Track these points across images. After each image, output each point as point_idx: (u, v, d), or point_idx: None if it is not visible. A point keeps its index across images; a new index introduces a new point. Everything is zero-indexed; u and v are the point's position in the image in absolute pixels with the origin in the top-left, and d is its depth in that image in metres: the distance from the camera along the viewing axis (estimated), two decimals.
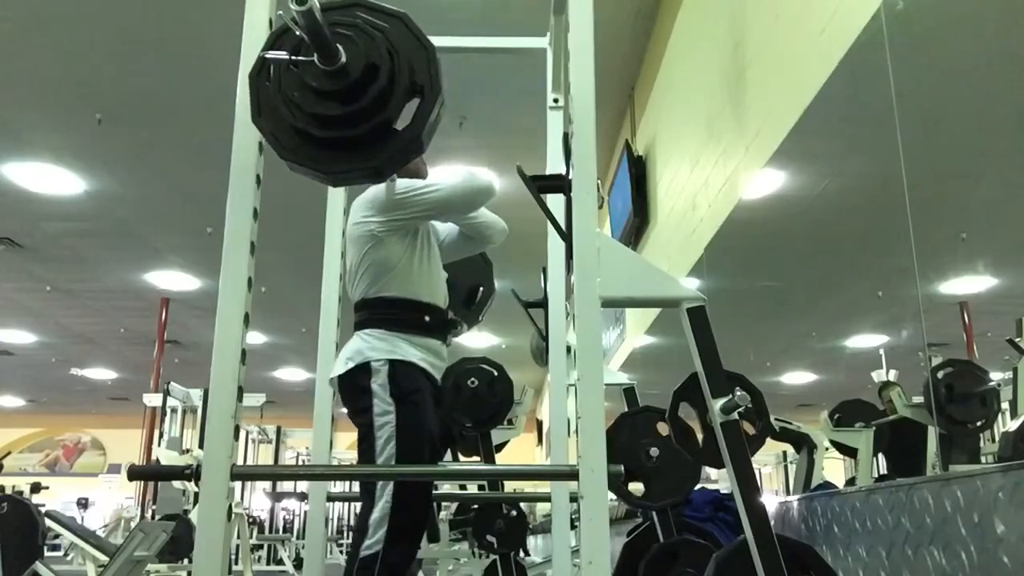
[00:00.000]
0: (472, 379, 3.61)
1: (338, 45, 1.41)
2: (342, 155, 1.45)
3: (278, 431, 11.63)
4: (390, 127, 1.45)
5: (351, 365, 2.08)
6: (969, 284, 3.41)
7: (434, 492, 3.71)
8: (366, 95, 1.42)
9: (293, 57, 1.40)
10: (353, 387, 2.09)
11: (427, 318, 2.14)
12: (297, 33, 1.38)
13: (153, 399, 10.05)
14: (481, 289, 2.99)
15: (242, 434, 2.46)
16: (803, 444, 3.99)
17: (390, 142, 1.45)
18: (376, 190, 2.17)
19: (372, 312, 2.13)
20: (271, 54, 1.43)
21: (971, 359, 3.32)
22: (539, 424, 15.79)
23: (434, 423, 2.18)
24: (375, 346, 2.08)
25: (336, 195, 2.68)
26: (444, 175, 2.20)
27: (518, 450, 5.90)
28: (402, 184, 2.14)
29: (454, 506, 5.26)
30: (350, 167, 1.46)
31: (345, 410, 2.24)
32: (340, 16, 1.47)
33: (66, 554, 8.99)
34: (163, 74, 6.08)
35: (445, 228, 2.43)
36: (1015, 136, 2.70)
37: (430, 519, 3.31)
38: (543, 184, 1.91)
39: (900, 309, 3.79)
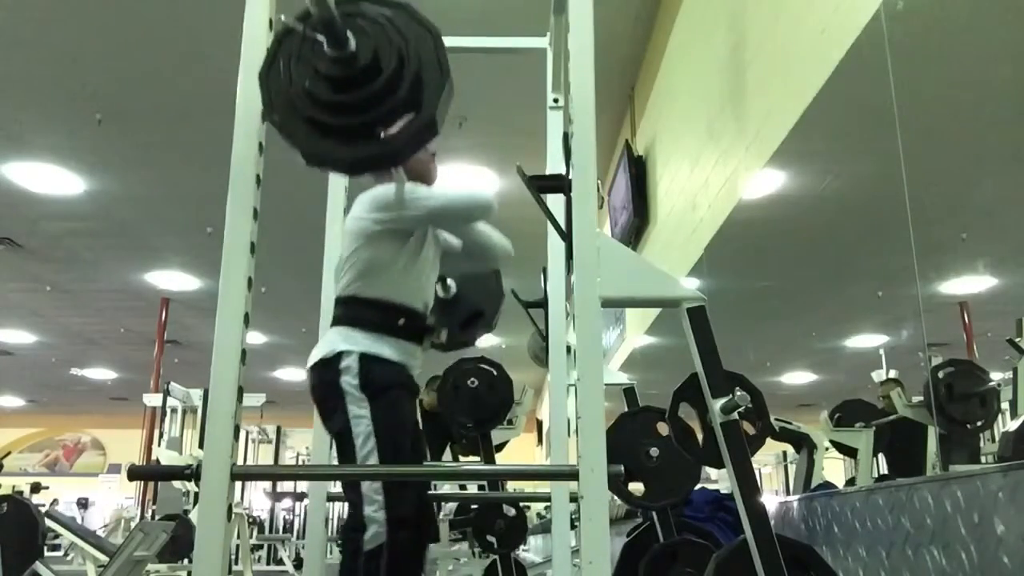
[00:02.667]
0: (472, 379, 3.61)
1: (348, 33, 1.41)
2: (320, 142, 1.44)
3: (278, 431, 11.63)
4: (373, 132, 1.45)
5: (320, 356, 2.06)
6: (969, 284, 3.41)
7: (434, 492, 3.72)
8: (361, 92, 1.42)
9: (307, 30, 1.41)
10: (324, 384, 2.06)
11: (401, 321, 2.11)
12: (302, 30, 1.40)
13: (153, 399, 10.05)
14: (480, 318, 2.94)
15: (242, 434, 2.45)
16: (803, 444, 3.99)
17: (368, 146, 1.45)
18: (377, 189, 2.18)
19: (348, 309, 2.12)
20: (289, 24, 1.45)
21: (971, 359, 3.32)
22: (539, 424, 15.79)
23: (412, 418, 2.16)
24: (348, 337, 2.06)
25: (336, 195, 2.68)
26: (447, 185, 2.19)
27: (518, 450, 5.90)
28: (404, 188, 2.15)
29: (454, 506, 5.26)
30: (321, 154, 1.46)
31: None
32: (371, 13, 1.49)
33: (66, 554, 8.98)
34: (163, 74, 6.08)
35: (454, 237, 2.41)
36: (1015, 136, 2.70)
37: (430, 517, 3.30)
38: (543, 184, 1.91)
39: (900, 309, 3.80)
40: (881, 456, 4.13)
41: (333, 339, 2.08)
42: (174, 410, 9.15)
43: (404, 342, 2.11)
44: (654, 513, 3.11)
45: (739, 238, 4.13)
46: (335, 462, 2.26)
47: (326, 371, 2.04)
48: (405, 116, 1.44)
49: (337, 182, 2.60)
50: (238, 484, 1.78)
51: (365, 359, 2.02)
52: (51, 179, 7.64)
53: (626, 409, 3.34)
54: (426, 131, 1.45)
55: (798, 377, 6.71)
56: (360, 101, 1.43)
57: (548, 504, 3.04)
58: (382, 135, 1.44)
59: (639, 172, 6.02)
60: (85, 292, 11.02)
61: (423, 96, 1.44)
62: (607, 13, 5.40)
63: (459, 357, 3.63)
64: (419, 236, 2.18)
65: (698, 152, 4.65)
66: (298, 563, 9.30)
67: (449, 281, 2.62)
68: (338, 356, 2.03)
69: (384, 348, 2.07)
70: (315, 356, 2.09)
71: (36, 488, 11.91)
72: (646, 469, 2.90)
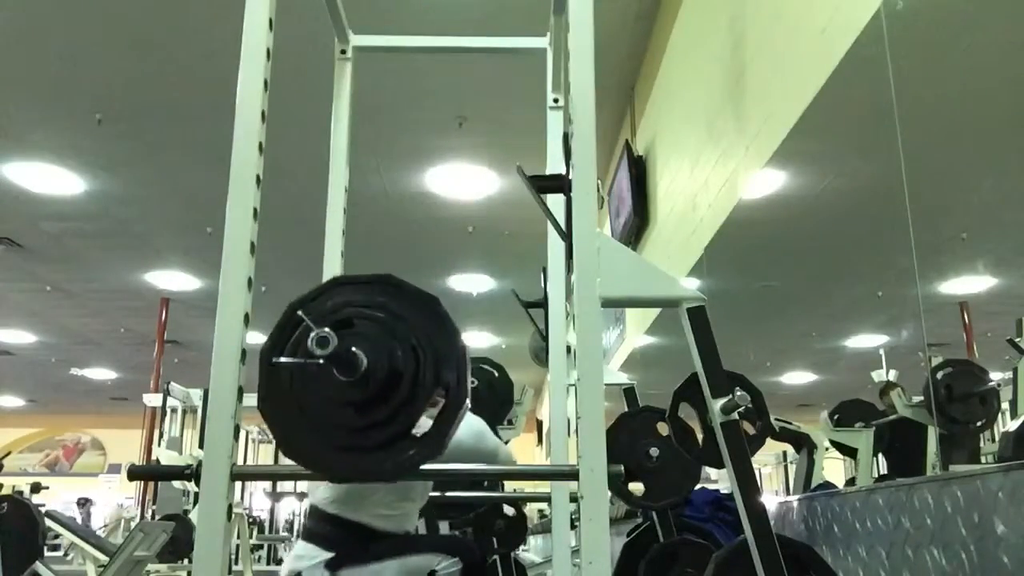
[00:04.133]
0: (472, 379, 3.60)
1: (357, 352, 1.33)
2: (351, 460, 1.38)
3: None
4: (408, 434, 1.38)
5: (285, 572, 1.93)
6: (969, 284, 3.41)
7: (434, 492, 3.71)
8: (386, 405, 1.35)
9: (307, 361, 1.31)
10: None
11: (372, 545, 1.95)
12: (303, 363, 1.33)
13: (153, 399, 10.05)
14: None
15: (242, 434, 2.45)
16: (803, 444, 3.99)
17: (406, 449, 1.38)
18: None
19: (323, 527, 1.95)
20: (284, 360, 1.37)
21: (971, 359, 3.31)
22: (539, 424, 15.79)
23: None
24: (313, 554, 1.90)
25: (336, 194, 2.67)
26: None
27: (518, 450, 5.90)
28: None
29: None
30: (359, 472, 1.41)
31: None
32: (362, 305, 1.40)
33: (66, 554, 8.98)
34: (163, 74, 6.08)
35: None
36: (1015, 136, 2.70)
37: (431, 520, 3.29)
38: (543, 184, 1.91)
39: (900, 309, 3.79)
40: (881, 456, 4.13)
41: (300, 555, 1.93)
42: (174, 410, 9.16)
43: (375, 564, 1.94)
44: (654, 513, 3.11)
45: (739, 238, 4.13)
46: None
47: None
48: (434, 398, 1.39)
49: (337, 182, 2.60)
50: (238, 484, 1.77)
51: (331, 561, 1.87)
52: (51, 179, 7.64)
53: (626, 409, 3.34)
54: (460, 410, 1.39)
55: (798, 377, 6.70)
56: (390, 414, 1.36)
57: (548, 502, 3.03)
58: (418, 431, 1.37)
59: (639, 172, 6.02)
60: (85, 292, 11.01)
61: (447, 375, 1.39)
62: (607, 13, 5.40)
63: None
64: None
65: (698, 152, 4.65)
66: None
67: None
68: (299, 573, 1.89)
69: (354, 555, 1.91)
70: (282, 572, 1.96)
71: (36, 488, 11.90)
72: (646, 469, 2.90)
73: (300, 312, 1.36)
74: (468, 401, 1.40)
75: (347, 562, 1.87)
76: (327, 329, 1.28)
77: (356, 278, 1.46)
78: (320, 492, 1.97)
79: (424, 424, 1.40)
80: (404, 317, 1.40)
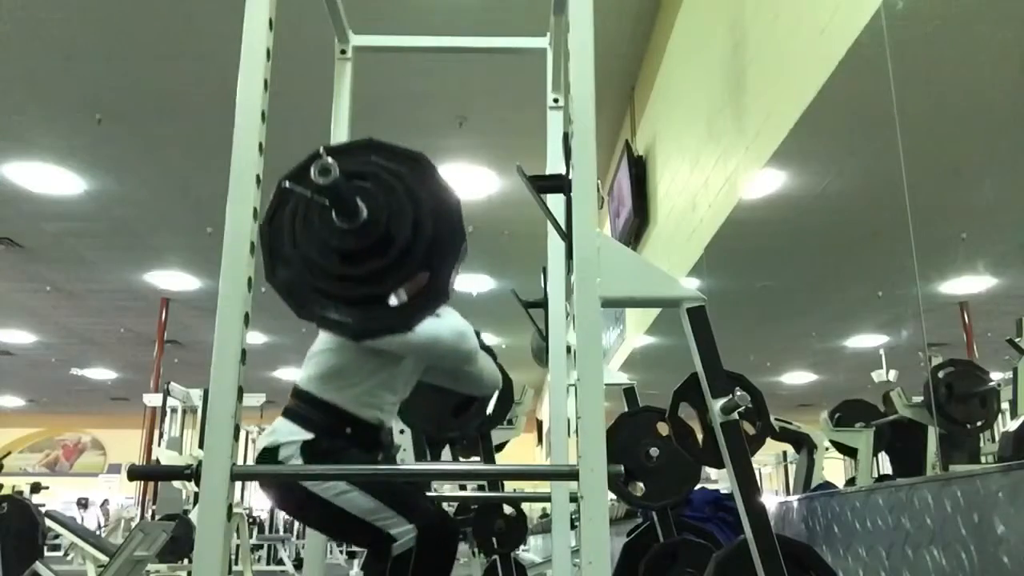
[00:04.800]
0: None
1: (360, 202, 1.36)
2: (325, 306, 1.42)
3: None
4: (384, 299, 1.41)
5: (263, 445, 1.93)
6: (969, 284, 3.41)
7: (434, 492, 3.71)
8: (373, 262, 1.39)
9: (312, 194, 1.35)
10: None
11: (349, 430, 1.92)
12: (309, 196, 1.36)
13: (153, 399, 10.05)
14: (473, 404, 2.86)
15: (242, 434, 2.44)
16: (803, 444, 3.99)
17: (377, 312, 1.42)
18: None
19: (299, 405, 1.95)
20: (291, 185, 1.40)
21: (971, 359, 3.32)
22: (539, 424, 15.79)
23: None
24: (293, 431, 1.90)
25: None
26: (437, 321, 1.93)
27: (518, 450, 5.90)
28: None
29: (454, 506, 5.25)
30: (326, 319, 1.44)
31: None
32: (383, 168, 1.43)
33: (66, 554, 8.98)
34: (163, 74, 6.09)
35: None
36: (1015, 136, 2.70)
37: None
38: (543, 184, 1.91)
39: (900, 309, 3.79)
40: (882, 456, 4.13)
41: (278, 429, 1.94)
42: (174, 410, 9.15)
43: (351, 449, 1.93)
44: (654, 513, 3.11)
45: (739, 238, 4.13)
46: None
47: (268, 462, 1.92)
48: (418, 277, 1.41)
49: None
50: (238, 484, 1.76)
51: (308, 444, 1.88)
52: (51, 179, 7.64)
53: (626, 409, 3.34)
54: (438, 299, 1.42)
55: (798, 377, 6.71)
56: (371, 273, 1.40)
57: (548, 502, 3.04)
58: (392, 302, 1.40)
59: (639, 172, 6.02)
60: (85, 292, 11.02)
61: (436, 261, 1.42)
62: (607, 13, 5.40)
63: None
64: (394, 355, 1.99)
65: (698, 152, 4.65)
66: (298, 563, 9.30)
67: None
68: (278, 448, 1.89)
69: (330, 443, 1.91)
70: (259, 445, 1.97)
71: (36, 488, 11.91)
72: (646, 469, 2.90)
73: (322, 148, 1.38)
74: (450, 294, 1.43)
75: (321, 458, 1.86)
76: (331, 159, 1.31)
77: (392, 147, 1.51)
78: (305, 371, 1.98)
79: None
80: (418, 194, 1.44)
